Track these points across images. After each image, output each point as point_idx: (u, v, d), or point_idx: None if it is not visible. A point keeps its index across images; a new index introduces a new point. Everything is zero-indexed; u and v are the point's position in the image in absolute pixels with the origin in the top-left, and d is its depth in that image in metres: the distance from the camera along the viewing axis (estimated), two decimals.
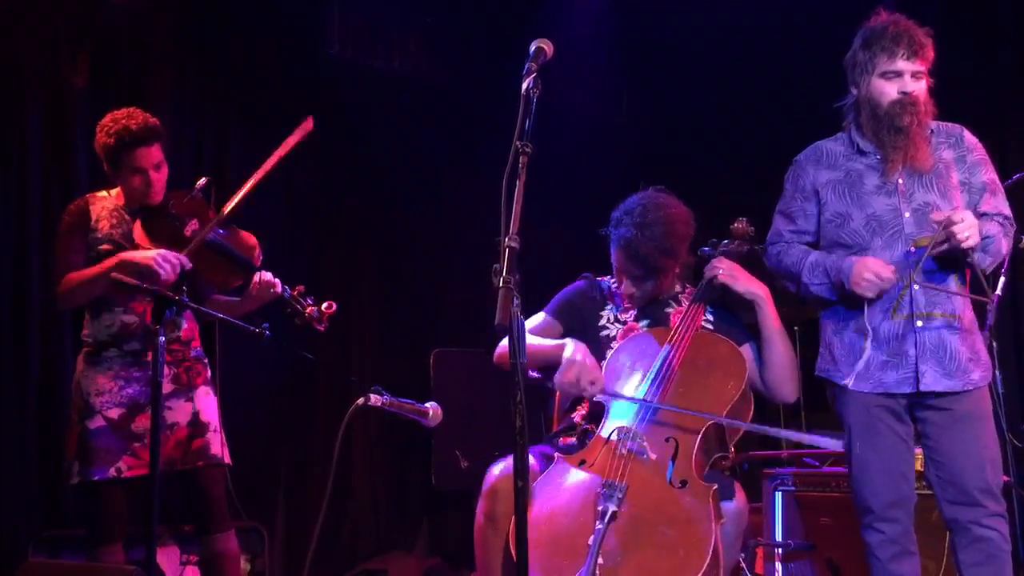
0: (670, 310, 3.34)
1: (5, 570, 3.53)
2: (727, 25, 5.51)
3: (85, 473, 3.29)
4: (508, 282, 2.17)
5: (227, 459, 3.49)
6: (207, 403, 3.50)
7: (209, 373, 3.58)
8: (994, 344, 3.44)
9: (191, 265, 3.24)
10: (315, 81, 5.32)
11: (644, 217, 3.20)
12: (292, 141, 3.48)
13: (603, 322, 3.35)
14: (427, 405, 2.95)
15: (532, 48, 2.45)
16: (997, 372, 3.50)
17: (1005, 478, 3.12)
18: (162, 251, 3.22)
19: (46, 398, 4.32)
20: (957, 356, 2.92)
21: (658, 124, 6.18)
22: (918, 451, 3.14)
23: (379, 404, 2.81)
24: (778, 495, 3.92)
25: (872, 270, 2.90)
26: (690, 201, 3.39)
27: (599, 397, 3.08)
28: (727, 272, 3.23)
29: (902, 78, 2.95)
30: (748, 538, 3.84)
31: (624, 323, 3.34)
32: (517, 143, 2.30)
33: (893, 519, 2.94)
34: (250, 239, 3.48)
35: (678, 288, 3.42)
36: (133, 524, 3.43)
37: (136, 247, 3.36)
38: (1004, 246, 2.98)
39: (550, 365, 3.15)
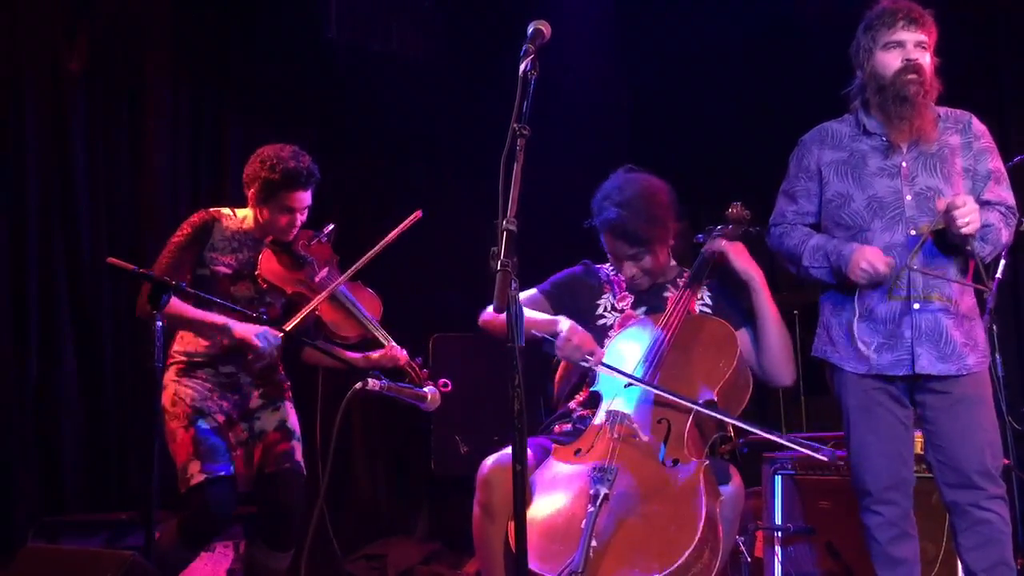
0: (667, 294, 3.32)
1: (5, 555, 3.53)
2: (730, 8, 5.48)
3: (209, 470, 3.28)
4: (506, 265, 2.16)
5: (304, 471, 3.52)
6: (292, 414, 3.59)
7: (290, 393, 3.65)
8: (994, 327, 3.43)
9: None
10: (314, 64, 5.30)
11: (622, 195, 3.20)
12: (400, 230, 3.55)
13: (600, 311, 3.33)
14: (425, 389, 2.96)
15: (530, 29, 2.43)
16: (997, 355, 3.50)
17: (1005, 461, 3.11)
18: (265, 329, 3.30)
19: (45, 384, 4.31)
20: (952, 340, 2.91)
21: (659, 106, 6.15)
22: (918, 434, 3.14)
23: (377, 389, 2.80)
24: (777, 479, 3.91)
25: (868, 259, 2.89)
26: (691, 186, 3.37)
27: (598, 369, 3.06)
28: (729, 245, 3.23)
29: (904, 47, 2.96)
30: (748, 522, 3.84)
31: (621, 311, 3.32)
32: (515, 125, 2.29)
33: (892, 501, 2.94)
34: (374, 300, 3.57)
35: (676, 271, 3.40)
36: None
37: (256, 276, 3.42)
38: (1004, 236, 2.97)
39: (540, 338, 3.13)
